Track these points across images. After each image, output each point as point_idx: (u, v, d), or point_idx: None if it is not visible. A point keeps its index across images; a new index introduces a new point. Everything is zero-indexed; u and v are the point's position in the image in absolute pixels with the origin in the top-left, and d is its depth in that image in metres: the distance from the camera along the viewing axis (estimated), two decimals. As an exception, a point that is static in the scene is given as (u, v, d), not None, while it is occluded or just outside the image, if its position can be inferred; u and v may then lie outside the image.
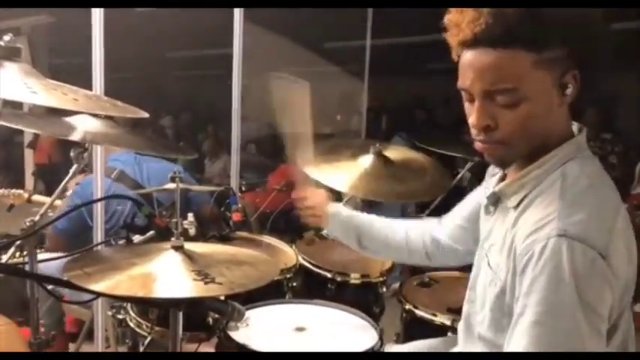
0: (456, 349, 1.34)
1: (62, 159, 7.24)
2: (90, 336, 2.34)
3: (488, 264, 1.11)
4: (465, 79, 1.02)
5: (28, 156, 7.32)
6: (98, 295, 1.26)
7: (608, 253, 0.91)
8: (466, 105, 1.07)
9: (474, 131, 1.05)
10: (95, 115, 1.54)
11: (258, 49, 3.05)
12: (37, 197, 2.89)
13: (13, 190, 2.82)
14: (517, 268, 0.96)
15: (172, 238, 1.26)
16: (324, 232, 2.22)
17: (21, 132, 6.88)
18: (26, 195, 2.86)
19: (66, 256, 1.84)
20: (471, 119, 1.03)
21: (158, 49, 7.25)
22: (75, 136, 1.57)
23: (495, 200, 1.14)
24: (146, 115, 1.18)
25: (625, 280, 0.97)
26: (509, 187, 1.08)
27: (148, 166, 2.47)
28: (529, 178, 1.04)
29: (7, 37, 1.04)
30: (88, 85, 1.96)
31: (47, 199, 2.53)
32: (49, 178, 6.75)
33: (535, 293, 0.91)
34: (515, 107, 0.98)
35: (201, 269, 1.18)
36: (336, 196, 1.83)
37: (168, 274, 1.18)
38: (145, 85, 8.18)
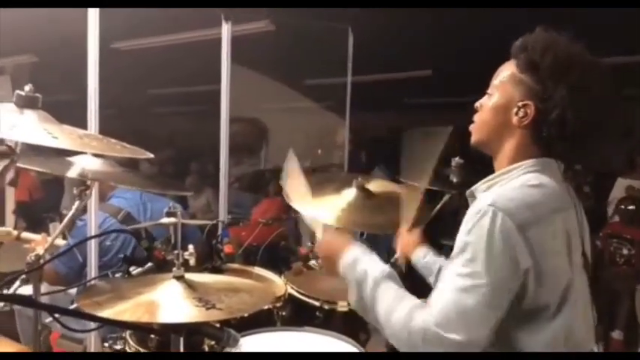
0: None
1: (42, 196, 7.27)
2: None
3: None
4: None
5: (10, 194, 7.29)
6: (106, 322, 1.34)
7: (528, 229, 1.11)
8: None
9: None
10: (99, 155, 1.63)
11: (244, 86, 3.16)
12: (26, 235, 2.92)
13: (1, 229, 2.82)
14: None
15: (174, 269, 1.36)
16: (311, 263, 2.33)
17: None
18: (15, 232, 2.88)
19: (65, 290, 1.93)
20: None
21: (139, 86, 7.36)
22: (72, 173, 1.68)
23: (473, 198, 1.33)
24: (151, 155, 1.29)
25: (553, 269, 1.14)
26: (482, 185, 1.31)
27: (152, 206, 2.45)
28: (496, 180, 1.27)
29: (27, 88, 1.15)
30: (71, 120, 2.05)
31: (36, 237, 2.58)
32: (30, 216, 6.73)
33: (461, 243, 1.14)
34: (489, 97, 1.29)
35: (202, 296, 1.28)
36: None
37: (171, 302, 1.27)
38: (126, 122, 8.26)
